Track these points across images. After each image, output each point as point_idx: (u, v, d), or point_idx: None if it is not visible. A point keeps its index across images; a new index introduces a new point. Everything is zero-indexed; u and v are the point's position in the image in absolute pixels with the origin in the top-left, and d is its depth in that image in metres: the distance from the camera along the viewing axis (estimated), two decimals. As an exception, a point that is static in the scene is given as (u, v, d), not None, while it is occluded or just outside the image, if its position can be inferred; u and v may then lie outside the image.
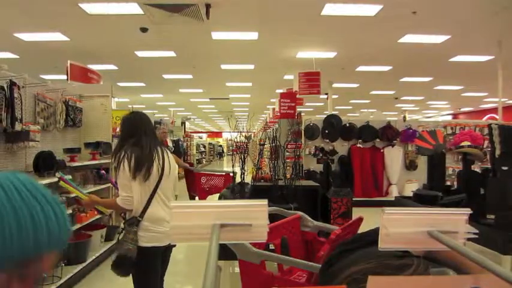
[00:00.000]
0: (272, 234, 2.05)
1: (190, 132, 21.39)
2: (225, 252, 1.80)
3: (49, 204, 0.60)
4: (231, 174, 4.68)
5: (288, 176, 4.36)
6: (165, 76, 11.44)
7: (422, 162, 7.62)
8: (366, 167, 7.94)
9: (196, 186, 5.63)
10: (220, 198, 4.30)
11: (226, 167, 15.17)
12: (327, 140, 7.87)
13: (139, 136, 2.23)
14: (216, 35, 7.27)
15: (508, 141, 4.19)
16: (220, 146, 31.99)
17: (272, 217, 2.40)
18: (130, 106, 12.93)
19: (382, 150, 8.06)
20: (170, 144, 12.81)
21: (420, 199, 4.30)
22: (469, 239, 0.91)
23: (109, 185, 5.12)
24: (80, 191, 2.47)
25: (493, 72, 8.10)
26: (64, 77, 6.67)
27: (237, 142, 4.61)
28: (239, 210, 0.65)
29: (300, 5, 5.79)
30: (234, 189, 4.22)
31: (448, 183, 6.20)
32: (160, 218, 2.17)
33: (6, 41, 7.33)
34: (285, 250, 2.09)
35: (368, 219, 2.03)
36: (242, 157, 4.36)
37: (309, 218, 2.37)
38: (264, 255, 1.69)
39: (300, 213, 2.39)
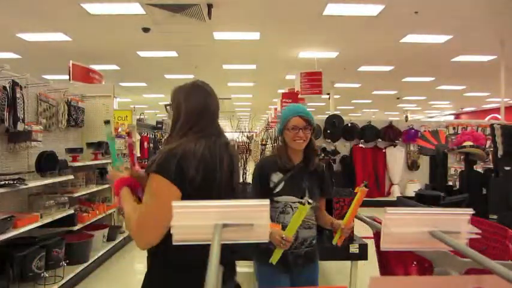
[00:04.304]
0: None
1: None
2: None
3: None
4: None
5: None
6: (167, 76, 11.45)
7: (424, 162, 7.60)
8: (368, 167, 7.94)
9: None
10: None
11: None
12: (329, 140, 7.86)
13: None
14: (218, 35, 7.28)
15: (510, 141, 4.18)
16: (222, 146, 32.00)
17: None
18: (132, 106, 12.95)
19: (384, 150, 8.05)
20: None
21: (422, 199, 4.29)
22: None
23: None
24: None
25: (495, 72, 8.08)
26: (66, 77, 6.68)
27: (239, 142, 4.62)
28: (241, 210, 0.65)
29: (302, 5, 5.78)
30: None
31: (450, 183, 6.18)
32: None
33: (8, 41, 7.36)
34: None
35: (370, 219, 2.03)
36: (244, 157, 4.36)
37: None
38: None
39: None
